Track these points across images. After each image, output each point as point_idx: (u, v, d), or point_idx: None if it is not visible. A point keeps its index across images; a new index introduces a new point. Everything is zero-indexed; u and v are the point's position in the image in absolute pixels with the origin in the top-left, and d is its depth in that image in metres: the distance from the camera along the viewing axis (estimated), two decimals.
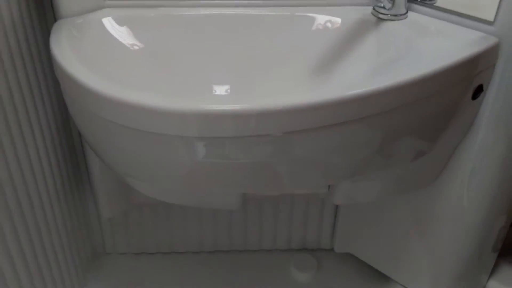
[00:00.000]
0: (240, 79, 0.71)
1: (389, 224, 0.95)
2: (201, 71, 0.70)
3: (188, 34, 0.72)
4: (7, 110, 0.64)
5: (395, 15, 0.70)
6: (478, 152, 0.74)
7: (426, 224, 0.88)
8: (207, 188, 0.60)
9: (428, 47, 0.65)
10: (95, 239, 1.05)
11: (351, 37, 0.70)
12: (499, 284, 0.95)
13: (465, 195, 0.79)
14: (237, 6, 0.74)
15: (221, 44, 0.72)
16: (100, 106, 0.54)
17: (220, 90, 0.70)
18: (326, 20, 0.72)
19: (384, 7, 0.69)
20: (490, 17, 0.64)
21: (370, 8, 0.72)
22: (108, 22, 0.69)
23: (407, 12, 0.71)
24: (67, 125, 0.86)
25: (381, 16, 0.70)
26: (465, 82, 0.64)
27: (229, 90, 0.70)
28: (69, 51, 0.60)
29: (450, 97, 0.64)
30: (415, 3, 0.72)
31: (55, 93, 0.80)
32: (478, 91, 0.67)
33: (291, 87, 0.69)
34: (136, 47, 0.69)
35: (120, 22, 0.70)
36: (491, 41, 0.64)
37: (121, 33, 0.69)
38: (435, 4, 0.71)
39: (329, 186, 0.75)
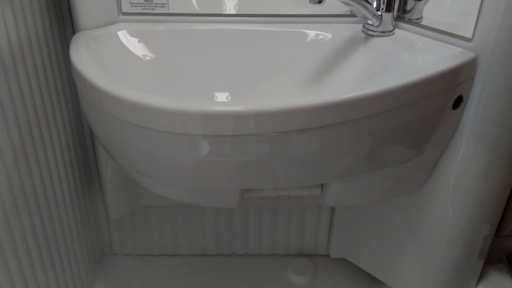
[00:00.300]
0: (240, 86, 0.76)
1: (382, 231, 0.99)
2: (205, 80, 0.76)
3: (194, 47, 0.78)
4: (30, 115, 0.70)
5: (383, 32, 0.76)
6: (460, 165, 0.78)
7: (417, 231, 0.91)
8: (209, 183, 0.65)
9: (412, 60, 0.71)
10: (103, 240, 1.10)
11: (343, 51, 0.76)
12: None
13: (450, 204, 0.83)
14: (238, 22, 0.80)
15: (224, 56, 0.78)
16: (113, 106, 0.60)
17: (222, 95, 0.76)
18: (320, 35, 0.78)
19: (372, 25, 0.76)
20: (469, 35, 0.70)
21: (361, 25, 0.78)
22: (123, 35, 0.75)
23: (394, 29, 0.77)
24: (81, 131, 0.92)
25: (370, 32, 0.77)
26: (445, 92, 0.69)
27: (230, 96, 0.76)
28: (87, 59, 0.67)
29: (432, 105, 0.69)
30: (403, 22, 0.78)
31: (71, 100, 0.86)
32: (458, 101, 0.72)
33: (287, 94, 0.74)
34: (147, 58, 0.75)
35: (133, 35, 0.77)
36: (469, 55, 0.69)
37: (134, 45, 0.75)
38: (421, 23, 0.77)
39: (322, 188, 0.80)
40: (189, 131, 0.57)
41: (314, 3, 0.64)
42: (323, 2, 0.64)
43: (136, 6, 0.78)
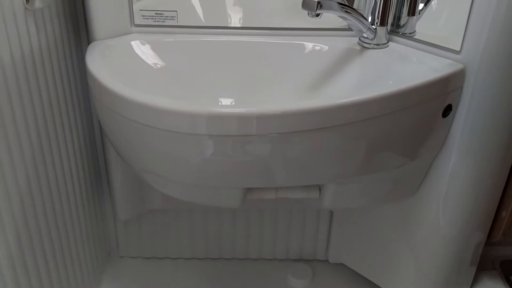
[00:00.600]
0: (243, 93, 0.81)
1: (379, 237, 1.02)
2: (210, 87, 0.81)
3: (201, 56, 0.83)
4: (47, 118, 0.75)
5: (378, 44, 0.81)
6: (451, 174, 0.82)
7: (412, 237, 0.94)
8: (213, 181, 0.70)
9: (404, 70, 0.75)
10: (110, 243, 1.14)
11: (339, 62, 0.81)
12: None
13: (441, 212, 0.87)
14: (242, 34, 0.85)
15: (228, 65, 0.83)
16: (125, 108, 0.65)
17: (227, 101, 0.81)
18: (318, 47, 0.83)
19: (367, 38, 0.81)
20: (457, 48, 0.74)
21: (357, 38, 0.84)
22: (136, 45, 0.81)
23: (388, 42, 0.82)
24: (92, 135, 0.97)
25: (365, 45, 0.82)
26: (435, 100, 0.73)
27: (234, 101, 0.81)
28: (102, 66, 0.72)
29: (422, 112, 0.73)
30: (397, 36, 0.83)
31: (83, 105, 0.91)
32: (448, 110, 0.76)
33: (287, 99, 0.79)
34: (157, 65, 0.81)
35: (145, 44, 0.82)
36: (457, 67, 0.74)
37: (145, 54, 0.81)
38: (414, 37, 0.82)
39: (320, 191, 0.85)
40: (196, 131, 0.62)
41: (312, 16, 0.69)
42: (320, 15, 0.69)
43: (147, 18, 0.84)
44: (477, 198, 0.84)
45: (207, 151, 0.65)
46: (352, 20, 0.77)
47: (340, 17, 0.77)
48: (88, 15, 0.81)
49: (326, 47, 0.83)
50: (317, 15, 0.68)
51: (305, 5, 0.68)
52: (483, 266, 1.10)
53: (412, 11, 0.81)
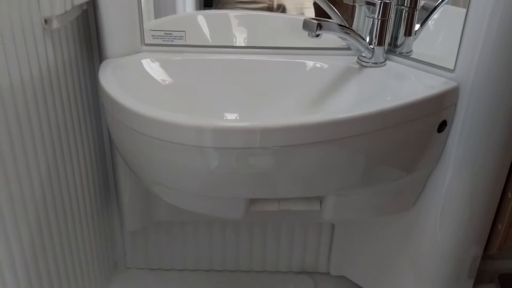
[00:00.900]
0: (248, 108, 0.85)
1: (380, 250, 1.05)
2: (216, 102, 0.85)
3: (207, 74, 0.87)
4: (61, 131, 0.79)
5: (375, 63, 0.85)
6: (448, 189, 0.85)
7: (412, 249, 0.97)
8: (218, 191, 0.73)
9: (400, 88, 0.79)
10: (118, 254, 1.17)
11: (339, 79, 0.85)
12: None
13: (439, 226, 0.89)
14: (246, 53, 0.89)
15: (233, 82, 0.87)
16: (136, 122, 0.69)
17: (232, 116, 0.85)
18: (319, 66, 0.87)
19: (365, 57, 0.85)
20: (451, 66, 0.78)
21: (355, 57, 0.88)
22: (146, 63, 0.85)
23: (385, 61, 0.86)
24: (102, 149, 1.01)
25: (363, 63, 0.86)
26: (430, 116, 0.77)
27: (238, 116, 0.85)
28: (114, 82, 0.76)
29: (418, 127, 0.76)
30: (394, 55, 0.87)
31: (94, 120, 0.95)
32: (443, 125, 0.79)
33: (289, 114, 0.83)
34: (166, 82, 0.85)
35: (154, 62, 0.86)
36: (451, 84, 0.77)
37: (155, 71, 0.85)
38: (410, 56, 0.86)
39: (320, 204, 0.88)
40: (202, 144, 0.66)
41: (312, 36, 0.73)
42: (320, 36, 0.73)
43: (157, 38, 0.88)
44: (473, 212, 0.87)
45: (212, 163, 0.68)
46: (351, 40, 0.82)
47: (340, 37, 0.81)
48: (101, 35, 0.85)
49: (326, 66, 0.87)
50: (317, 35, 0.73)
51: (305, 26, 0.73)
52: (481, 280, 1.12)
53: (409, 32, 0.85)
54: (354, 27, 0.89)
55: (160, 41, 0.88)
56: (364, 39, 0.84)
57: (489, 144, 0.80)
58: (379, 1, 0.81)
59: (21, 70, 0.66)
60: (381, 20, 0.82)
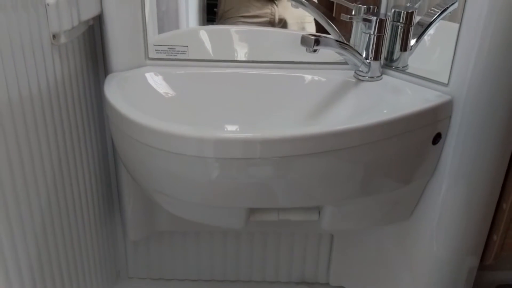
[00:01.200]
0: (248, 120, 0.88)
1: (378, 260, 1.06)
2: (218, 114, 0.87)
3: (209, 87, 0.90)
4: (66, 141, 0.81)
5: (372, 77, 0.88)
6: (443, 201, 0.86)
7: (410, 260, 0.98)
8: (219, 201, 0.76)
9: (396, 101, 0.81)
10: (120, 263, 1.19)
11: (336, 93, 0.88)
12: None
13: (435, 237, 0.91)
14: (247, 67, 0.92)
15: (234, 95, 0.90)
16: (140, 133, 0.71)
17: (232, 127, 0.87)
18: (317, 79, 0.90)
19: (362, 71, 0.88)
20: (445, 80, 0.80)
21: (353, 71, 0.90)
22: (150, 76, 0.88)
23: (381, 75, 0.89)
24: (106, 160, 1.03)
25: (360, 77, 0.88)
26: (425, 129, 0.79)
27: (239, 128, 0.87)
28: (119, 95, 0.78)
29: (414, 139, 0.78)
30: (391, 69, 0.90)
31: (99, 132, 0.98)
32: (437, 138, 0.81)
33: (288, 126, 0.85)
34: (169, 95, 0.87)
35: (158, 76, 0.89)
36: (445, 98, 0.79)
37: (158, 85, 0.87)
38: (406, 70, 0.88)
39: (319, 214, 0.90)
40: (204, 154, 0.68)
41: (310, 51, 0.76)
42: (317, 51, 0.76)
43: (160, 52, 0.91)
44: (469, 223, 0.88)
45: (213, 173, 0.70)
46: (347, 55, 0.84)
47: (337, 52, 0.84)
48: (106, 50, 0.88)
49: (324, 79, 0.90)
50: (315, 50, 0.75)
51: (303, 41, 0.75)
52: None
53: (404, 47, 0.88)
54: (351, 42, 0.92)
55: (163, 56, 0.91)
56: (360, 54, 0.86)
57: (483, 155, 0.81)
58: (375, 17, 0.84)
59: (30, 82, 0.68)
60: (377, 36, 0.85)
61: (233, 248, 1.17)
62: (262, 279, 1.22)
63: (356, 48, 0.87)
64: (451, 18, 0.81)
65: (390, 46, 0.89)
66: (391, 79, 0.89)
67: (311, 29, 0.96)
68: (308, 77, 0.90)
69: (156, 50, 0.91)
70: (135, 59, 0.90)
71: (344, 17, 0.87)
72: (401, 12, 0.85)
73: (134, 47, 0.89)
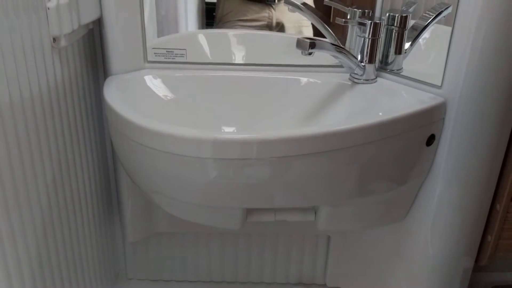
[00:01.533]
0: (245, 121, 0.89)
1: (374, 262, 1.07)
2: (215, 116, 0.89)
3: (207, 90, 0.91)
4: (66, 143, 0.83)
5: (367, 80, 0.89)
6: (438, 202, 0.88)
7: (405, 261, 0.99)
8: (216, 201, 0.77)
9: (390, 103, 0.83)
10: (119, 265, 1.20)
11: (332, 95, 0.89)
12: None
13: (430, 237, 0.92)
14: (244, 70, 0.93)
15: (232, 98, 0.91)
16: (139, 135, 0.72)
17: (230, 128, 0.88)
18: (313, 82, 0.91)
19: (357, 74, 0.89)
20: (438, 83, 0.82)
21: (348, 74, 0.92)
22: (148, 79, 0.89)
23: (376, 77, 0.90)
24: (105, 162, 1.05)
25: (355, 80, 0.90)
26: (418, 130, 0.80)
27: (236, 129, 0.88)
28: (118, 97, 0.79)
29: (408, 140, 0.80)
30: (385, 72, 0.91)
31: (98, 134, 0.99)
32: (431, 139, 0.83)
33: (284, 127, 0.87)
34: (168, 97, 0.89)
35: (157, 79, 0.90)
36: (438, 100, 0.81)
37: (157, 87, 0.89)
38: (401, 73, 0.90)
39: (315, 215, 0.91)
40: (202, 155, 0.69)
41: (305, 54, 0.77)
42: (312, 54, 0.77)
43: (159, 55, 0.92)
44: (463, 223, 0.90)
45: (211, 173, 0.71)
46: (342, 58, 0.86)
47: (332, 55, 0.85)
48: (105, 53, 0.90)
49: (319, 82, 0.91)
50: (310, 53, 0.77)
51: (298, 45, 0.77)
52: None
53: (399, 50, 0.89)
54: (347, 46, 0.93)
55: (162, 59, 0.93)
56: (355, 57, 0.88)
57: (477, 157, 0.83)
58: (370, 21, 0.85)
59: (31, 84, 0.69)
60: (372, 39, 0.86)
61: (231, 249, 1.18)
62: (259, 281, 1.23)
63: (351, 51, 0.88)
64: (445, 22, 0.82)
65: (385, 49, 0.90)
66: (385, 82, 0.90)
67: (309, 33, 0.97)
68: (304, 79, 0.92)
69: (155, 53, 0.92)
70: (134, 62, 0.91)
71: (339, 20, 0.88)
72: (395, 16, 0.87)
73: (133, 50, 0.90)
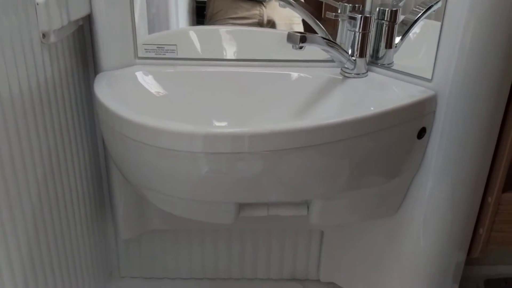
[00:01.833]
0: (236, 116, 0.89)
1: (368, 256, 1.08)
2: (207, 112, 0.88)
3: (198, 85, 0.91)
4: (57, 140, 0.82)
5: (358, 74, 0.89)
6: (429, 195, 0.88)
7: (399, 255, 0.99)
8: (208, 196, 0.77)
9: (381, 97, 0.83)
10: (112, 263, 1.19)
11: (323, 89, 0.90)
12: None
13: (422, 231, 0.92)
14: (235, 66, 0.94)
15: (223, 93, 0.91)
16: (130, 130, 0.72)
17: (222, 123, 0.88)
18: (303, 76, 0.91)
19: (348, 68, 0.89)
20: (429, 76, 0.82)
21: (339, 69, 0.92)
22: (139, 75, 0.89)
23: (367, 72, 0.90)
24: (97, 159, 1.04)
25: (346, 74, 0.90)
26: (409, 123, 0.80)
27: (228, 124, 0.88)
28: (109, 93, 0.79)
29: (399, 133, 0.80)
30: (376, 66, 0.92)
31: (89, 130, 0.99)
32: (422, 132, 0.83)
33: (276, 121, 0.87)
34: (159, 93, 0.89)
35: (147, 75, 0.90)
36: (429, 93, 0.81)
37: (148, 83, 0.89)
38: (391, 67, 0.90)
39: (308, 209, 0.91)
40: (193, 149, 0.69)
41: (296, 48, 0.77)
42: (303, 48, 0.77)
43: (150, 51, 0.92)
44: (455, 217, 0.90)
45: (203, 168, 0.72)
46: (333, 53, 0.86)
47: (323, 49, 0.85)
48: (96, 49, 0.89)
49: (310, 77, 0.91)
50: (300, 47, 0.77)
51: (289, 39, 0.77)
52: (468, 285, 1.15)
53: (389, 44, 0.89)
54: (337, 40, 0.94)
55: (152, 55, 0.92)
56: (346, 52, 0.88)
57: (468, 150, 0.83)
58: (360, 15, 0.85)
59: (20, 81, 0.69)
60: (362, 33, 0.87)
61: (225, 246, 1.18)
62: (253, 277, 1.23)
63: (342, 46, 0.88)
64: (435, 17, 0.82)
65: (375, 44, 0.91)
66: (376, 76, 0.91)
67: (299, 29, 0.97)
68: (295, 74, 0.92)
69: (145, 49, 0.92)
70: (125, 58, 0.91)
71: (329, 14, 0.89)
72: (385, 10, 0.87)
73: (123, 46, 0.90)
